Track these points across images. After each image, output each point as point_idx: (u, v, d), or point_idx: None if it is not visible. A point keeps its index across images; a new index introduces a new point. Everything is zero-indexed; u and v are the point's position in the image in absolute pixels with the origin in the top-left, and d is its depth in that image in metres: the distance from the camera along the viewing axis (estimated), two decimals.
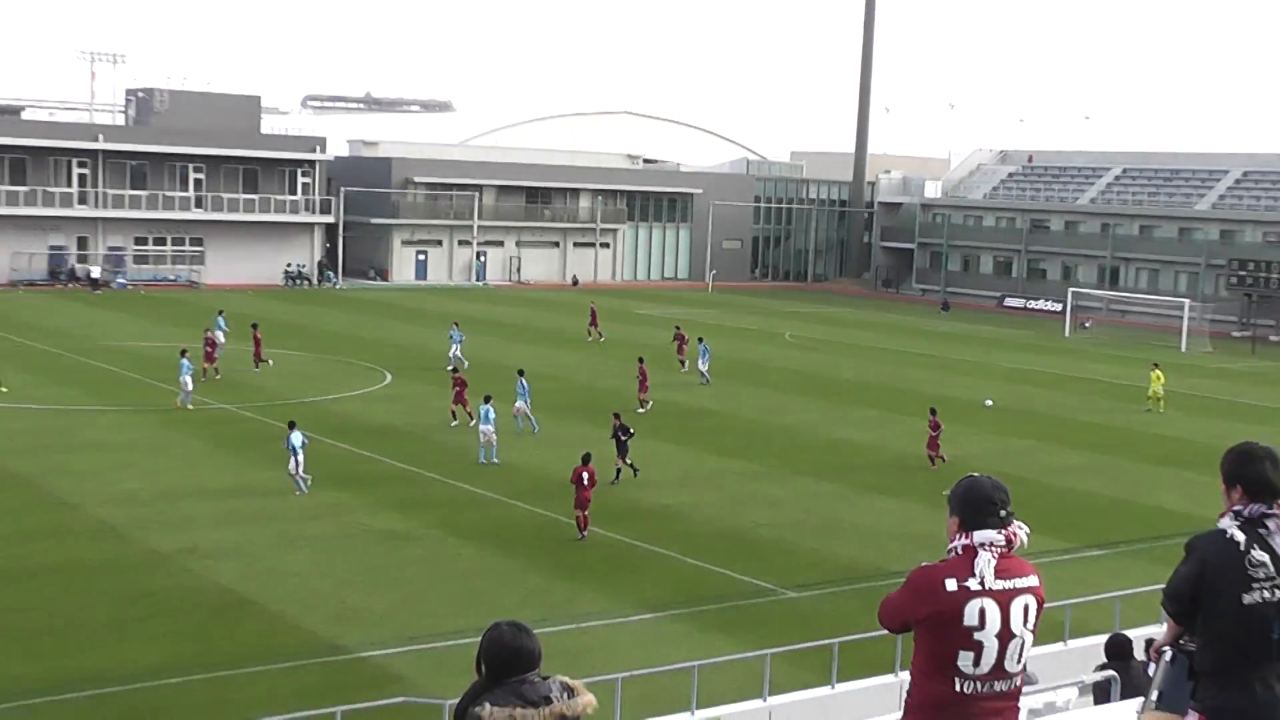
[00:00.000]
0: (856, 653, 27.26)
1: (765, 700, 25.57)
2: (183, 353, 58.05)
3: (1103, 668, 17.58)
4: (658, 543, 39.62)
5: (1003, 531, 7.29)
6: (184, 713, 25.77)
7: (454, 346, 70.82)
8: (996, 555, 7.23)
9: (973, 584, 7.17)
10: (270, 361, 67.88)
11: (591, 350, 79.47)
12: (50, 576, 34.74)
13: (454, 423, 54.32)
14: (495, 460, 48.34)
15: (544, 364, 72.59)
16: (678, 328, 78.22)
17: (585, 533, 39.24)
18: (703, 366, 69.63)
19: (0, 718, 26.22)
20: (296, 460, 43.26)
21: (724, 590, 35.83)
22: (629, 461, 46.44)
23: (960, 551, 7.30)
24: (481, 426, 48.58)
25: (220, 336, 67.39)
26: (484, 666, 6.79)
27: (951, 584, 7.19)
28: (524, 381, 54.95)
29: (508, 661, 6.75)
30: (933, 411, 51.90)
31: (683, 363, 73.08)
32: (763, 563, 38.13)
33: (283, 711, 24.88)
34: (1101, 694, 16.80)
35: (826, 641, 27.13)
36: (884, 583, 36.21)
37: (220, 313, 74.67)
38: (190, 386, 56.96)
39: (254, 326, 69.71)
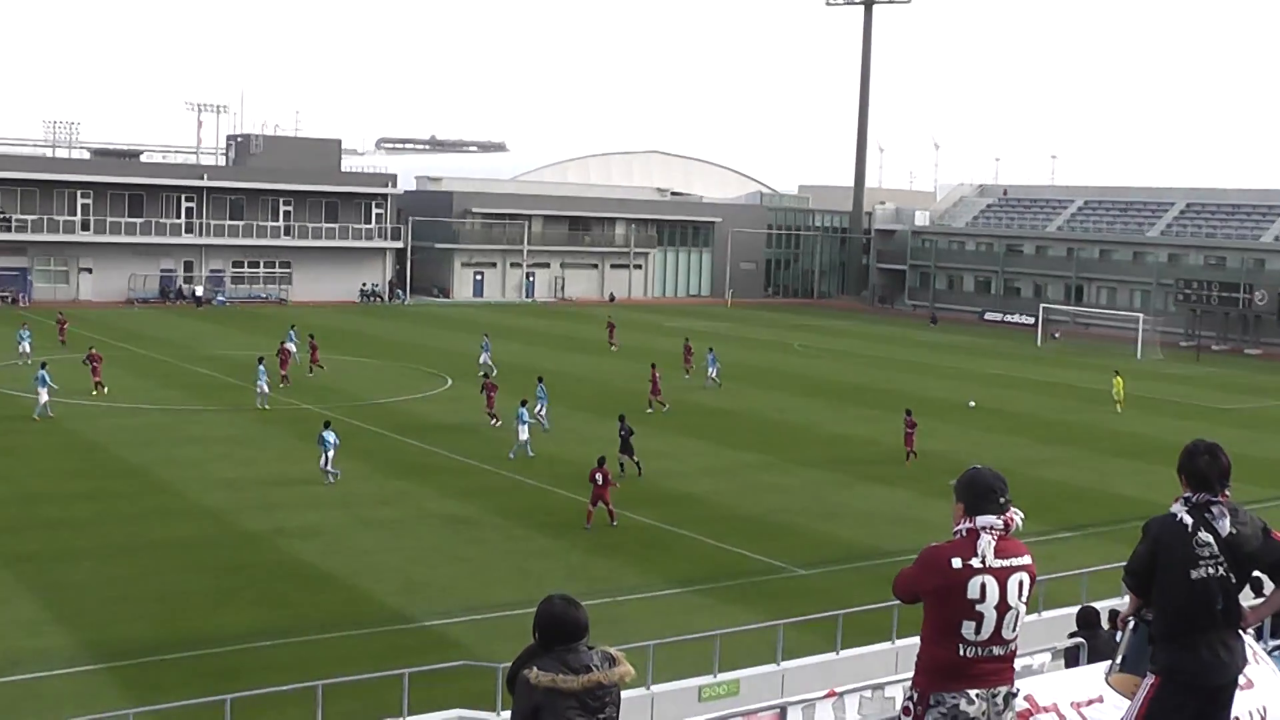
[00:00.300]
0: (858, 623, 27.12)
1: (779, 664, 25.43)
2: (260, 360, 58.11)
3: (1073, 635, 17.44)
4: (684, 526, 39.49)
5: (1001, 517, 7.34)
6: (272, 672, 25.66)
7: (483, 354, 70.47)
8: (996, 537, 7.29)
9: (975, 562, 7.21)
10: (324, 367, 67.55)
11: (623, 358, 79.26)
12: (158, 551, 34.79)
13: (495, 423, 53.86)
14: (530, 453, 47.98)
15: (586, 369, 72.63)
16: (686, 340, 77.51)
17: (590, 525, 38.47)
18: (712, 372, 69.01)
19: (117, 673, 26.31)
20: (326, 456, 43.06)
21: (742, 568, 35.68)
22: (635, 459, 45.83)
23: (965, 534, 7.32)
24: (517, 425, 48.23)
25: (292, 347, 67.26)
26: (537, 634, 6.68)
27: (957, 562, 7.22)
28: (543, 386, 54.53)
29: (557, 630, 6.66)
30: (908, 412, 51.69)
31: (687, 370, 71.98)
32: (775, 543, 37.98)
33: (357, 672, 24.83)
34: (1071, 659, 16.66)
35: (832, 613, 27.01)
36: (881, 561, 36.07)
37: (292, 327, 74.56)
38: (266, 390, 56.71)
39: (311, 337, 69.72)
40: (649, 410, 58.92)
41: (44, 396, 51.78)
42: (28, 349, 66.01)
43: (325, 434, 43.34)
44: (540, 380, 55.35)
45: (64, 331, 76.41)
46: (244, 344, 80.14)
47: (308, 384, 63.77)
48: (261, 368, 56.97)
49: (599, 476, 38.45)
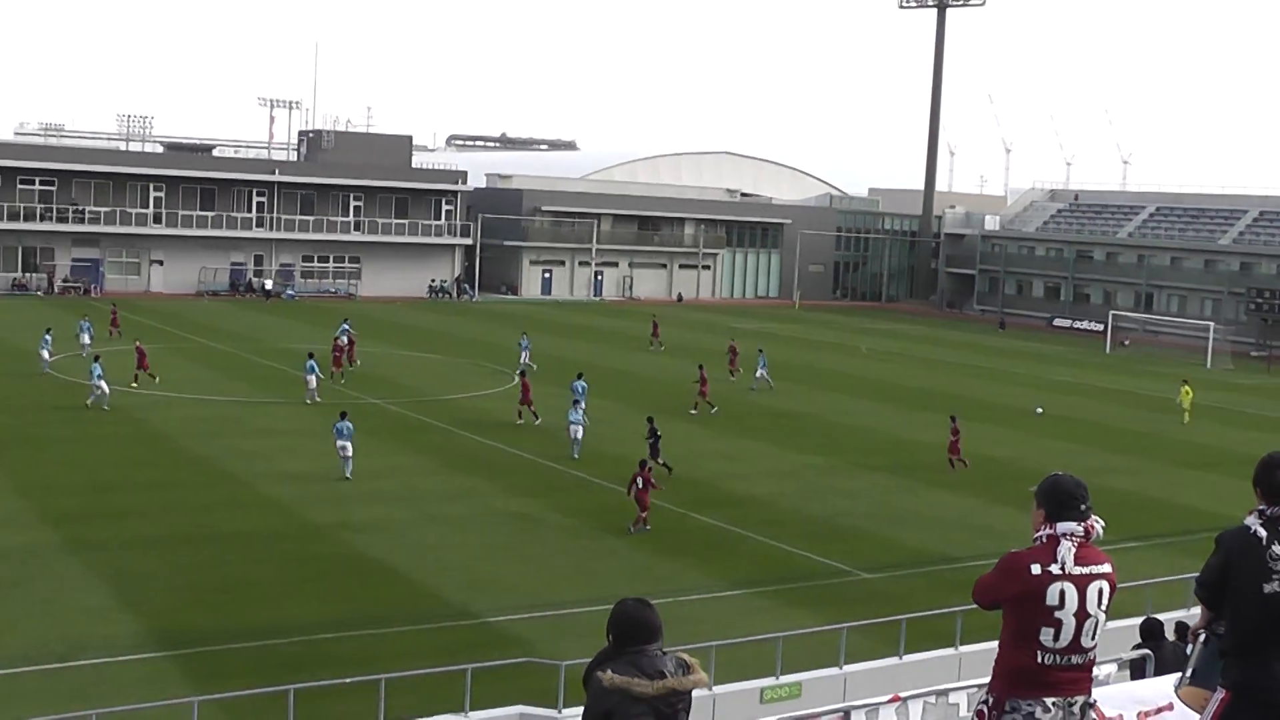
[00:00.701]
0: (922, 628, 27.02)
1: (841, 668, 25.34)
2: (310, 355, 58.35)
3: (1138, 647, 17.32)
4: (748, 528, 39.42)
5: (1082, 524, 7.31)
6: (337, 664, 25.79)
7: (523, 353, 69.81)
8: (1076, 544, 7.25)
9: (1054, 569, 7.18)
10: (359, 363, 67.53)
11: (694, 357, 79.18)
12: (226, 542, 35.02)
13: (519, 421, 53.71)
14: (574, 455, 47.45)
15: (655, 368, 72.59)
16: (732, 341, 76.67)
17: (636, 528, 38.06)
18: (761, 373, 68.27)
19: (182, 661, 26.51)
20: (341, 444, 42.81)
21: (805, 571, 35.58)
22: (662, 461, 45.13)
23: (1045, 540, 7.29)
24: (570, 425, 48.01)
25: (344, 341, 67.36)
26: (611, 635, 6.66)
27: (1036, 568, 7.19)
28: (580, 384, 54.01)
29: (630, 632, 6.63)
30: (953, 418, 51.07)
31: (733, 372, 70.87)
32: (839, 547, 37.87)
33: (420, 666, 24.91)
34: (1138, 670, 16.56)
35: (895, 617, 26.90)
36: (946, 566, 35.93)
37: (345, 320, 74.58)
38: (314, 384, 56.69)
39: (349, 326, 70.41)
40: (693, 411, 58.82)
41: (104, 387, 52.41)
42: (87, 340, 66.24)
43: (340, 424, 43.11)
44: (580, 376, 55.40)
45: (117, 322, 76.76)
46: (312, 338, 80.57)
47: (374, 378, 64.07)
48: (312, 362, 57.12)
49: (639, 480, 38.18)
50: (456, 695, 22.72)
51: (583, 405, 49.74)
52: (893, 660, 25.95)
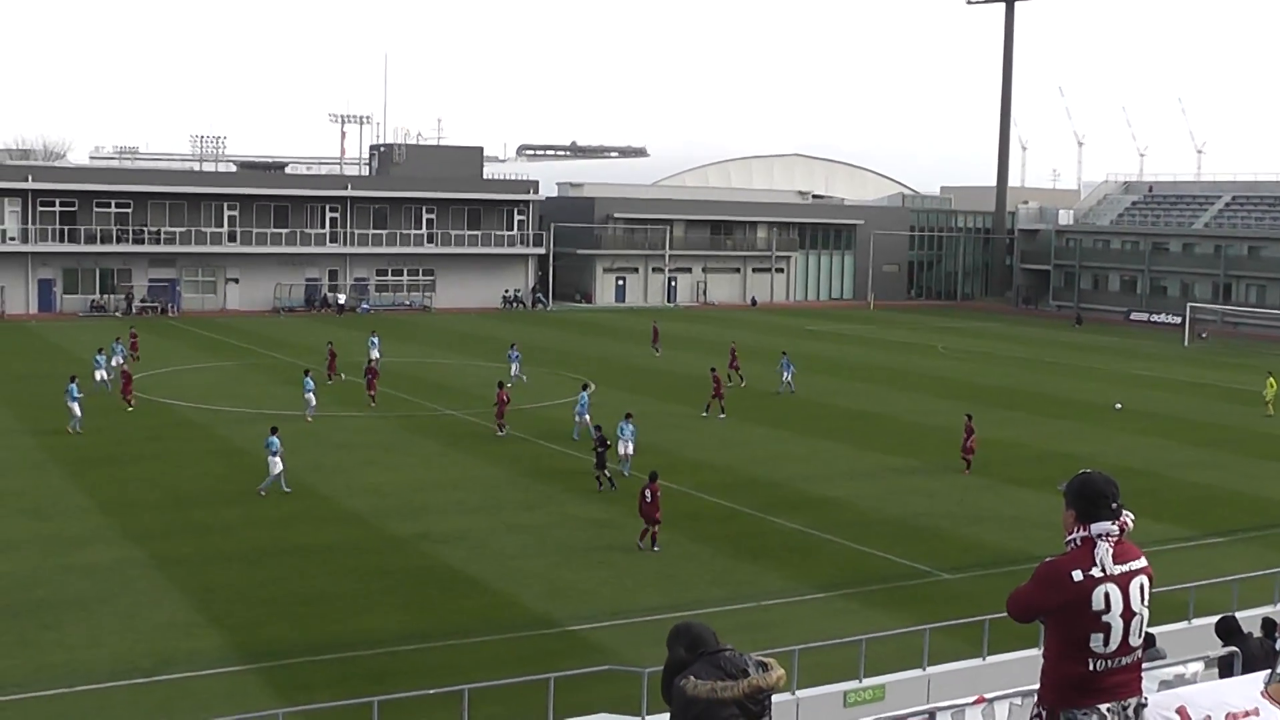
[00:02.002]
0: (1005, 628, 26.73)
1: (925, 670, 25.19)
2: (306, 373, 57.63)
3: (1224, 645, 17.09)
4: (827, 530, 39.28)
5: (1115, 522, 7.17)
6: (419, 675, 25.88)
7: (514, 365, 67.57)
8: (1112, 544, 7.14)
9: (1095, 572, 7.08)
10: (343, 376, 66.41)
11: (766, 361, 78.99)
12: (307, 555, 35.26)
13: (500, 433, 52.96)
14: (626, 473, 45.03)
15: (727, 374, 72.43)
16: (733, 344, 74.74)
17: (643, 543, 36.58)
18: (787, 377, 66.83)
19: (265, 674, 26.71)
20: (271, 459, 41.97)
21: (886, 572, 35.42)
22: (607, 474, 43.61)
23: (1079, 543, 7.19)
24: (621, 441, 46.04)
25: (375, 353, 66.79)
26: (681, 647, 6.60)
27: (1077, 574, 7.08)
28: (585, 395, 53.29)
29: (702, 636, 6.58)
30: (969, 416, 50.10)
31: (739, 378, 67.58)
32: (919, 547, 37.68)
33: (503, 676, 24.94)
34: (1226, 669, 16.33)
35: (978, 618, 26.69)
36: (1028, 565, 35.37)
37: (373, 333, 74.18)
38: (314, 402, 55.39)
39: (330, 344, 69.39)
40: (704, 415, 58.53)
41: (77, 410, 51.48)
42: (104, 374, 62.48)
43: (271, 439, 42.38)
44: (585, 388, 55.10)
45: (136, 347, 73.40)
46: (388, 351, 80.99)
47: (451, 390, 64.29)
48: (309, 380, 56.20)
49: (648, 493, 36.56)
50: (539, 704, 22.73)
51: (584, 411, 49.61)
52: (976, 661, 25.77)
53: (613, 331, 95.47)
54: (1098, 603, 7.03)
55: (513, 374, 65.92)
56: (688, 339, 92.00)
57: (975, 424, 49.22)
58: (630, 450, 46.12)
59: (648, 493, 36.48)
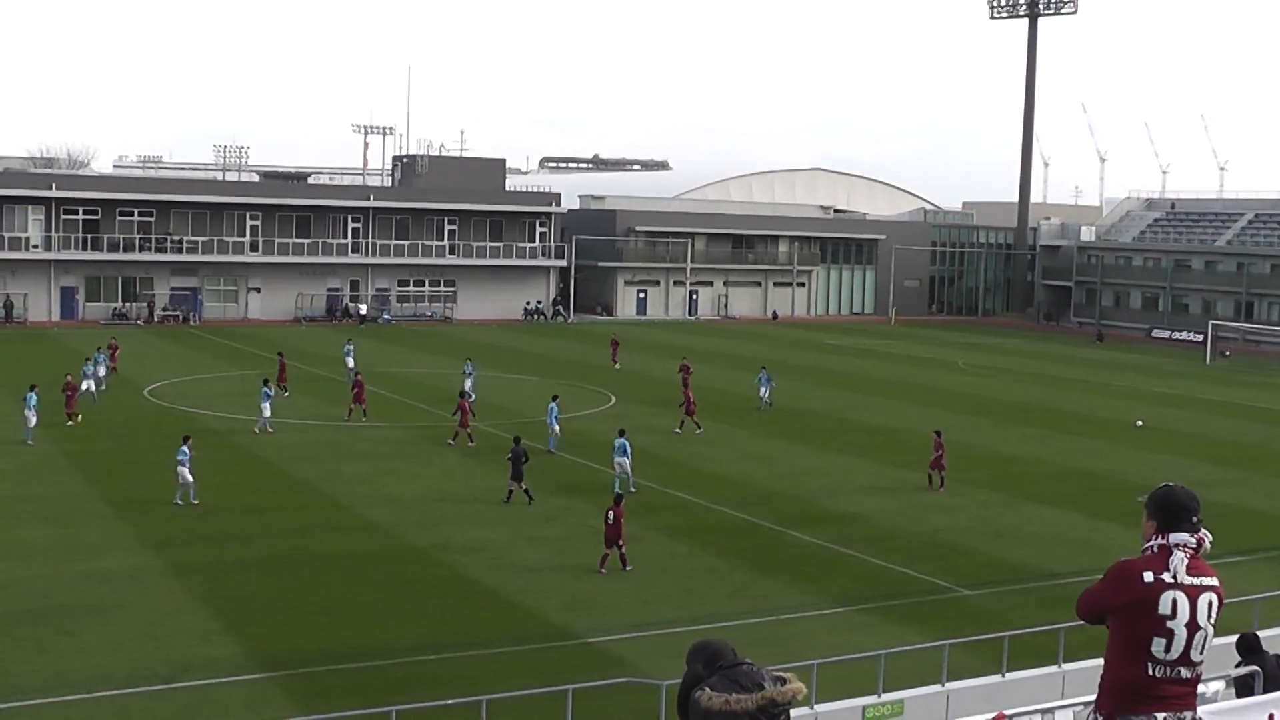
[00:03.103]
0: (1024, 645, 26.74)
1: (944, 685, 25.11)
2: (265, 382, 56.76)
3: (1241, 664, 17.03)
4: (847, 544, 39.21)
5: (1194, 536, 7.22)
6: (437, 686, 25.87)
7: (467, 380, 64.98)
8: (1188, 555, 7.17)
9: (1166, 577, 7.11)
10: (287, 390, 64.18)
11: (790, 376, 78.91)
12: (326, 564, 35.29)
13: (451, 441, 52.73)
14: (632, 489, 44.05)
15: (749, 387, 72.39)
16: (684, 360, 71.60)
17: (604, 569, 35.35)
18: (764, 393, 65.56)
19: (284, 682, 26.73)
20: (180, 472, 41.39)
21: (906, 587, 35.34)
22: (525, 487, 43.16)
23: (1156, 550, 7.22)
24: (617, 459, 45.14)
25: (350, 361, 65.98)
26: (700, 664, 6.57)
27: (1148, 576, 7.12)
28: (554, 406, 52.59)
29: (720, 651, 6.55)
30: (937, 433, 48.77)
31: (685, 402, 59.84)
32: (940, 563, 37.58)
33: (521, 687, 24.94)
34: (1245, 688, 16.25)
35: (998, 634, 26.65)
36: (1048, 582, 35.57)
37: (349, 340, 73.28)
38: (268, 413, 54.23)
39: (280, 355, 67.73)
40: (677, 430, 57.80)
41: (32, 419, 51.09)
42: (90, 385, 61.40)
43: (183, 447, 41.91)
44: (555, 398, 54.54)
45: (116, 359, 70.91)
46: (408, 361, 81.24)
47: (476, 403, 64.23)
48: (267, 389, 55.09)
49: (611, 515, 35.54)
50: (558, 716, 22.72)
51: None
52: (995, 678, 25.68)
53: (634, 345, 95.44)
54: (1164, 607, 7.06)
55: (466, 389, 63.07)
56: (709, 353, 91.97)
57: (982, 439, 49.04)
58: (627, 467, 45.00)
59: (611, 515, 35.59)
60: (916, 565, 37.25)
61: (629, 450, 45.01)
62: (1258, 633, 18.67)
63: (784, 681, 6.43)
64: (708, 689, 6.34)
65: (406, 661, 28.02)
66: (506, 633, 30.23)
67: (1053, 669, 25.81)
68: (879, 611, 33.00)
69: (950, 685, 25.18)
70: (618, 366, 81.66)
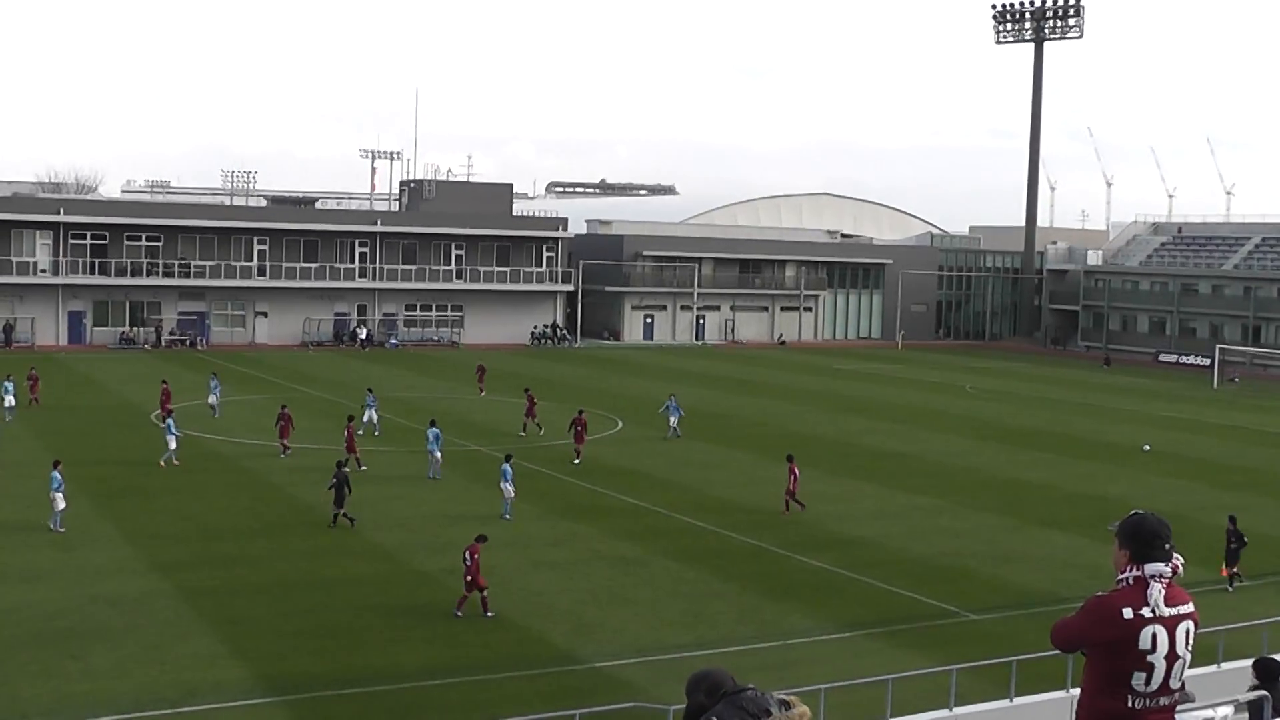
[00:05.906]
0: (1032, 670, 26.61)
1: (951, 710, 25.03)
2: (170, 414, 55.94)
3: (1255, 688, 16.92)
4: (855, 569, 39.14)
5: (1168, 564, 7.17)
6: (444, 711, 25.86)
7: (368, 410, 62.61)
8: (1165, 585, 7.13)
9: (1146, 612, 7.06)
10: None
11: (793, 400, 78.83)
12: (333, 588, 35.26)
13: (362, 467, 51.67)
14: (507, 516, 43.99)
15: (757, 411, 72.44)
16: (528, 390, 67.51)
17: (460, 611, 33.37)
18: (673, 421, 63.43)
19: (290, 707, 26.72)
20: (53, 495, 40.72)
21: (913, 612, 35.29)
22: (345, 511, 42.32)
23: (1132, 582, 7.16)
24: (502, 484, 44.79)
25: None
26: (702, 694, 6.56)
27: (1128, 612, 7.06)
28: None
29: (722, 680, 6.54)
30: (789, 459, 47.68)
31: (525, 426, 62.77)
32: (947, 588, 37.52)
33: (528, 712, 24.88)
34: (1255, 712, 16.16)
35: (1005, 659, 26.54)
36: (1056, 607, 35.43)
37: (213, 374, 72.42)
38: (174, 445, 52.03)
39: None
40: (522, 434, 59.04)
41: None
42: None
43: (55, 472, 41.25)
44: (434, 422, 53.59)
45: (36, 389, 67.84)
46: (415, 385, 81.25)
47: (477, 426, 64.32)
48: (170, 421, 53.64)
49: (468, 554, 33.60)
50: None
51: (436, 449, 49.82)
52: (1003, 703, 25.60)
53: (641, 370, 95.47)
54: (1144, 642, 7.04)
55: (365, 419, 61.61)
56: (713, 378, 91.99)
57: (989, 463, 48.96)
58: (511, 493, 44.78)
59: (468, 554, 33.58)
60: (924, 589, 37.20)
61: (510, 475, 44.75)
62: (1276, 657, 18.59)
63: (790, 705, 6.41)
64: (715, 718, 6.33)
65: (414, 686, 27.97)
66: (514, 657, 30.18)
67: (1060, 694, 25.73)
68: (886, 636, 32.95)
69: (958, 710, 25.11)
70: (483, 393, 78.25)
